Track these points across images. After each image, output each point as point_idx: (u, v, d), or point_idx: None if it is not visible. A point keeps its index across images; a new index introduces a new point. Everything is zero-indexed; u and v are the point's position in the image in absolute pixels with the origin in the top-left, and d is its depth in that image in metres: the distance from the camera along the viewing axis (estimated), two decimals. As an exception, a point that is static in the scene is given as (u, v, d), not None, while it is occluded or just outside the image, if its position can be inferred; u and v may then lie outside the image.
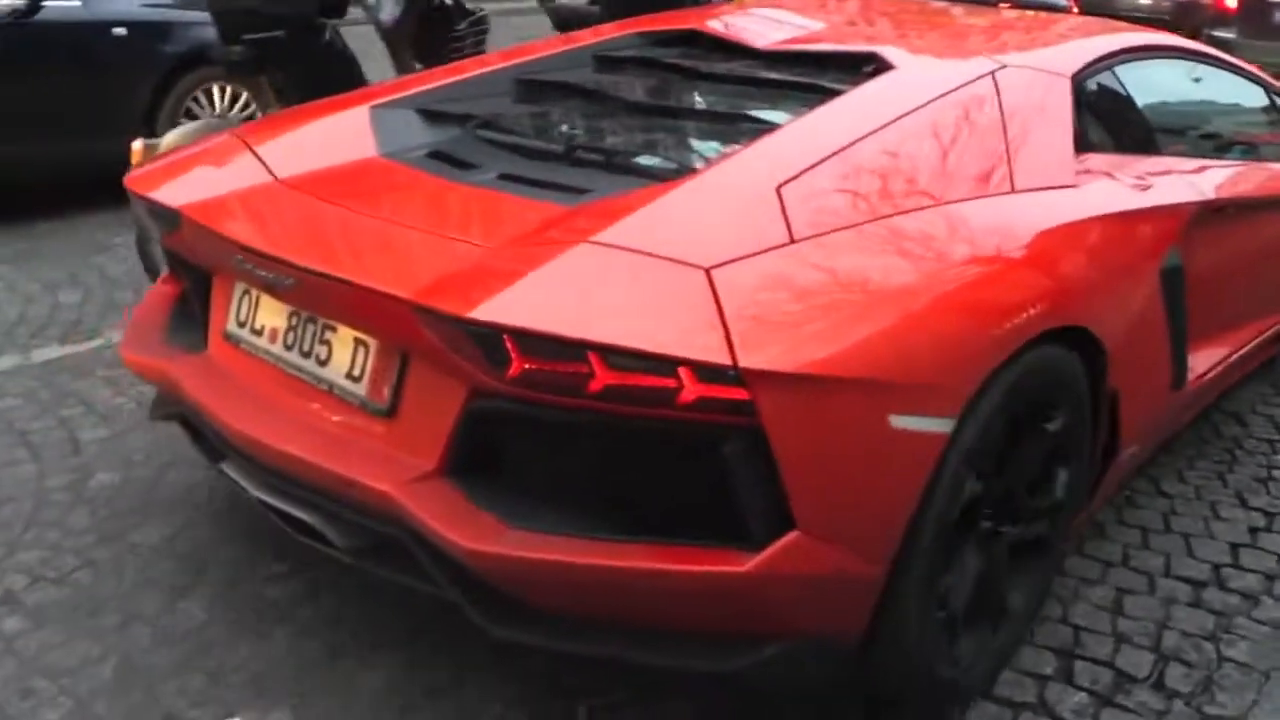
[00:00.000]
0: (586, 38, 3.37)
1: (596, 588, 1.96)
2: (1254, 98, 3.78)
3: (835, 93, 2.64)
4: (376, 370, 2.18)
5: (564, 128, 2.84)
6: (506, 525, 1.97)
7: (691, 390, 1.82)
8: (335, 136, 2.71)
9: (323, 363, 2.27)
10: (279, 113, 3.11)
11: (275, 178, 2.50)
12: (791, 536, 1.90)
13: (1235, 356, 3.39)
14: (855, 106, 2.54)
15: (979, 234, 2.29)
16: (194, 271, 2.61)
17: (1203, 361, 3.13)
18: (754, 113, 2.70)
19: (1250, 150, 3.68)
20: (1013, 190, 2.45)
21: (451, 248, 2.15)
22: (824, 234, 2.11)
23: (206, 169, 2.60)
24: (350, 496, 2.12)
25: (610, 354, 1.83)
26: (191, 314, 2.71)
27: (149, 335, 2.73)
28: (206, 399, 2.39)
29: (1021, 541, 2.42)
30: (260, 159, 2.58)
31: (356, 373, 2.21)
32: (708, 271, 1.93)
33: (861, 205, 2.21)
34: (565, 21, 4.87)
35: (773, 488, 1.88)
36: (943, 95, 2.58)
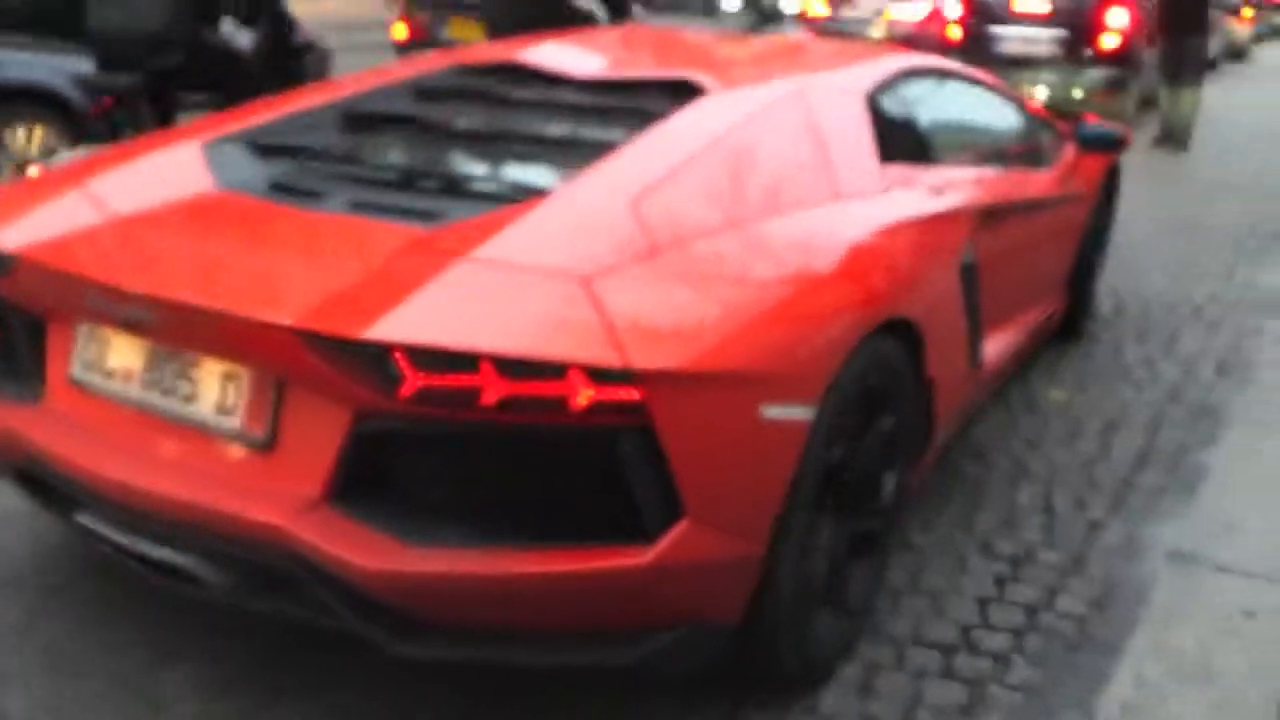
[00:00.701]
0: (404, 71, 3.41)
1: (498, 596, 2.02)
2: (1009, 112, 4.19)
3: (660, 115, 2.80)
4: (251, 402, 2.17)
5: (401, 157, 2.87)
6: (403, 544, 2.00)
7: (585, 394, 1.91)
8: (167, 172, 2.66)
9: (188, 399, 2.23)
10: (103, 150, 3.01)
11: (113, 215, 2.44)
12: (683, 526, 2.02)
13: (1013, 345, 3.76)
14: (684, 127, 2.70)
15: (819, 236, 2.48)
16: (23, 317, 2.51)
17: (991, 349, 3.46)
18: (586, 137, 2.82)
19: (1006, 158, 4.07)
20: (838, 198, 2.67)
21: (321, 273, 2.16)
22: (683, 243, 2.25)
23: (35, 209, 2.50)
24: (232, 532, 2.10)
25: (505, 365, 1.90)
26: (14, 364, 2.60)
27: (-29, 389, 2.59)
28: (57, 448, 2.30)
29: (863, 514, 2.63)
30: (93, 197, 2.51)
31: (228, 406, 2.19)
32: (585, 281, 2.04)
33: (712, 215, 2.37)
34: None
35: (663, 481, 2.00)
36: (761, 114, 2.78)
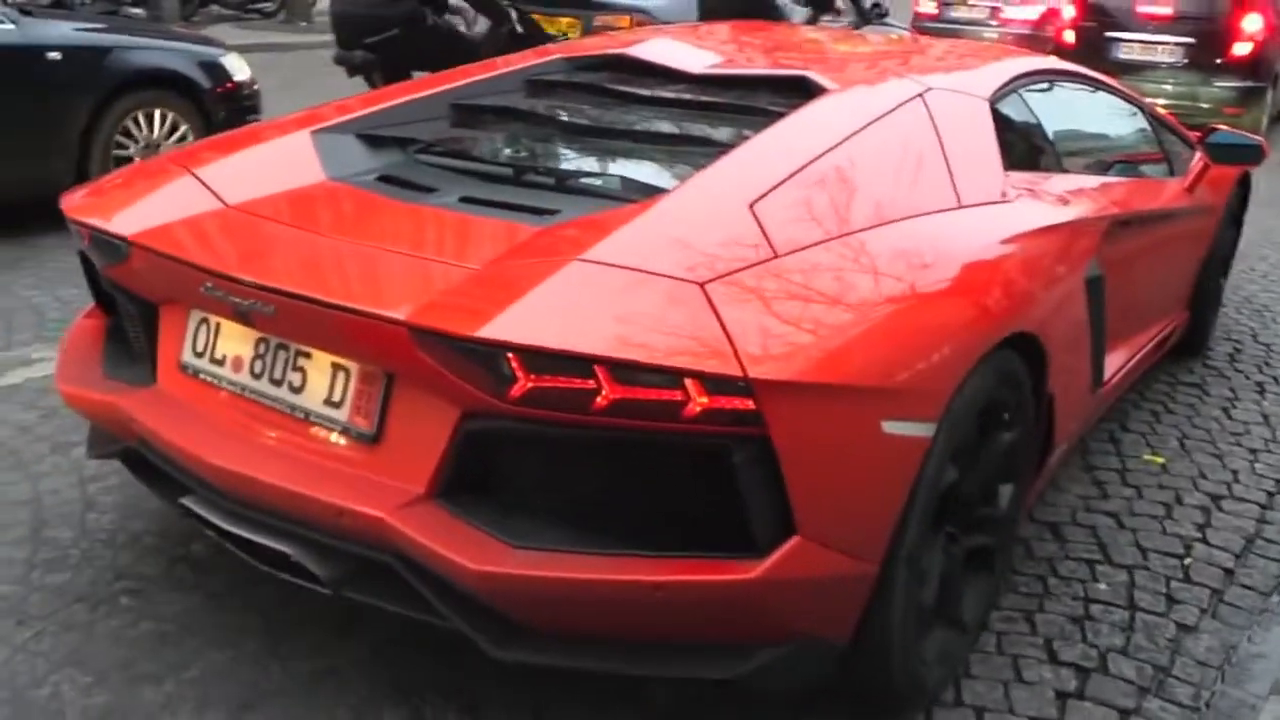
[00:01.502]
0: (514, 63, 3.38)
1: (603, 603, 1.97)
2: (1132, 117, 4.02)
3: (778, 115, 2.72)
4: (359, 395, 2.15)
5: (510, 151, 2.85)
6: (510, 545, 1.96)
7: (699, 402, 1.85)
8: (278, 161, 2.67)
9: (296, 390, 2.22)
10: (214, 138, 3.03)
11: (226, 203, 2.45)
12: (794, 542, 1.95)
13: (1134, 361, 3.61)
14: (804, 127, 2.62)
15: (942, 246, 2.39)
16: (138, 302, 2.52)
17: (1113, 365, 3.32)
18: (702, 134, 2.76)
19: (1133, 166, 3.91)
20: (960, 206, 2.57)
21: (433, 268, 2.14)
22: (803, 249, 2.18)
23: (150, 195, 2.51)
24: (337, 524, 2.08)
25: (619, 369, 1.85)
26: (129, 347, 2.62)
27: (86, 370, 2.62)
28: (168, 432, 2.31)
29: (978, 531, 2.53)
30: (205, 184, 2.51)
31: (336, 399, 2.17)
32: (702, 286, 1.98)
33: (832, 220, 2.29)
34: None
35: (777, 495, 1.93)
36: (883, 116, 2.68)
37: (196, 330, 2.38)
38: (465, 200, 2.47)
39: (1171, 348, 4.25)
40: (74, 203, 2.56)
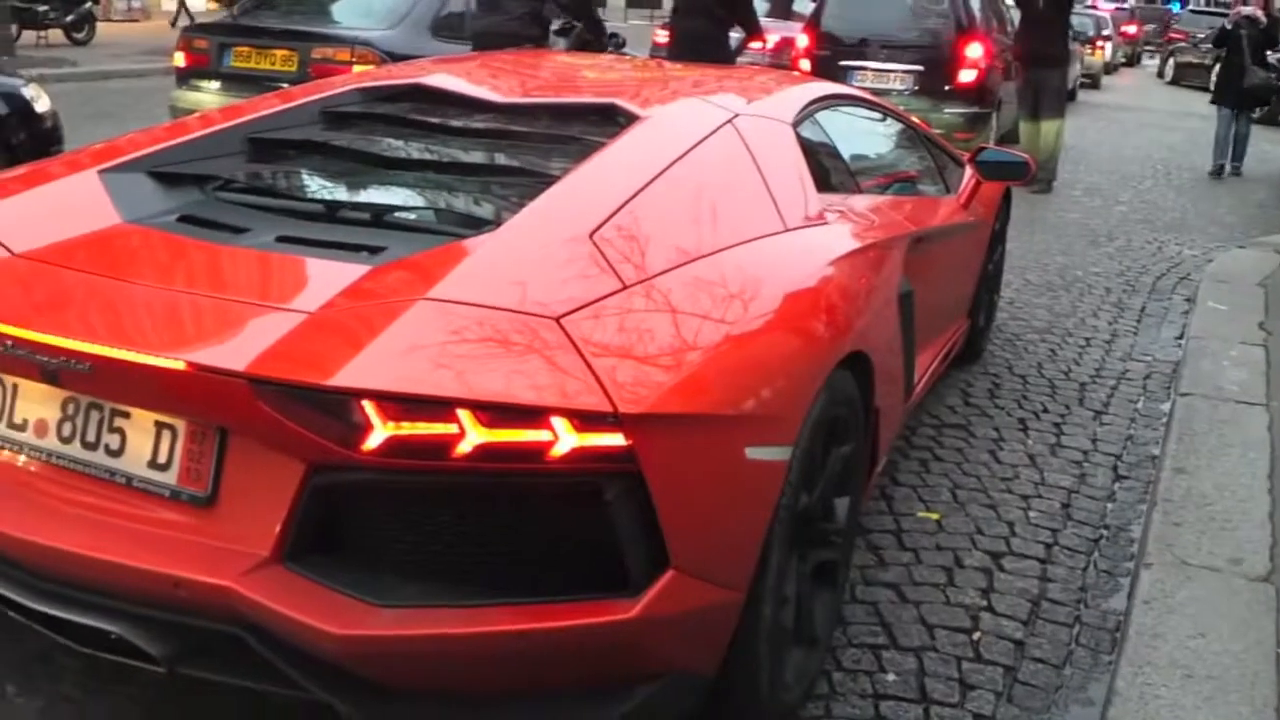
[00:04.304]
0: (308, 93, 3.22)
1: (479, 656, 1.88)
2: (910, 138, 4.23)
3: (597, 143, 2.69)
4: (188, 455, 1.97)
5: (319, 186, 2.70)
6: (374, 605, 1.84)
7: (568, 440, 1.80)
8: (66, 204, 2.45)
9: (115, 453, 2.02)
10: (-15, 181, 2.74)
11: (12, 251, 2.21)
12: (669, 576, 1.91)
13: (933, 369, 3.78)
14: (629, 155, 2.60)
15: (782, 268, 2.42)
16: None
17: (918, 375, 3.46)
18: (519, 164, 2.70)
19: (913, 184, 4.10)
20: (786, 229, 2.61)
21: (266, 315, 2.00)
22: (651, 278, 2.15)
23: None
24: (173, 597, 1.90)
25: (484, 411, 1.77)
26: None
27: None
28: None
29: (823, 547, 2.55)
30: None
31: (162, 460, 1.99)
32: (559, 321, 1.93)
33: (675, 247, 2.27)
34: None
35: (649, 530, 1.89)
36: (702, 141, 2.70)
37: (-12, 394, 2.14)
38: (283, 240, 2.32)
39: (955, 356, 4.47)
40: None
